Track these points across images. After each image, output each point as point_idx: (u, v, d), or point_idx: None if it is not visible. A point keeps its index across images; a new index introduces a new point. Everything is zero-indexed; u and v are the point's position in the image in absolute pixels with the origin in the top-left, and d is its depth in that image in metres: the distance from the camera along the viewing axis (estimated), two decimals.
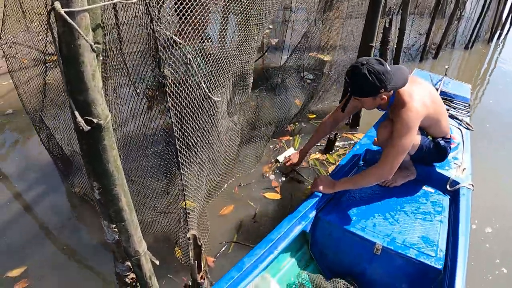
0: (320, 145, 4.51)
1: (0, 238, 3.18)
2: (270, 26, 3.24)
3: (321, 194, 2.86)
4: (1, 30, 3.23)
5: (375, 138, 3.47)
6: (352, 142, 4.70)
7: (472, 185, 3.06)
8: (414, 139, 2.70)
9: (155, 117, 2.01)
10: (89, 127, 1.15)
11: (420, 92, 2.70)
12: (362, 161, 3.43)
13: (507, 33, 11.71)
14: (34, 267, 2.96)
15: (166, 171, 2.45)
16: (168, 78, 1.65)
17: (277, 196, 3.69)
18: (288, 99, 4.99)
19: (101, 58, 1.20)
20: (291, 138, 4.65)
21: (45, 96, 3.36)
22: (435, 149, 3.01)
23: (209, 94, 1.89)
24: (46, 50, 3.11)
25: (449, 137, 3.07)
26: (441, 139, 3.02)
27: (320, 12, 5.02)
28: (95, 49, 1.03)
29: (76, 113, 1.12)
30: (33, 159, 4.14)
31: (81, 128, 1.13)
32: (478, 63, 8.59)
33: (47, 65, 3.15)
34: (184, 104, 1.95)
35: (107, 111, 1.20)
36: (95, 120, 1.16)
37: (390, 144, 2.64)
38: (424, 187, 3.13)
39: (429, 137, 3.01)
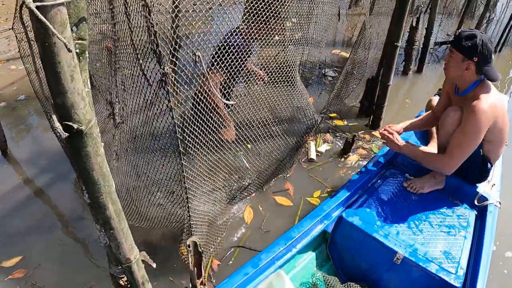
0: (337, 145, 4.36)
1: None
2: (293, 20, 3.12)
3: (346, 194, 2.87)
4: (14, 16, 3.15)
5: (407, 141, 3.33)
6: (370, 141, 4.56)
7: (500, 203, 2.94)
8: (478, 142, 2.66)
9: (159, 115, 1.90)
10: (67, 134, 1.03)
11: (496, 98, 2.66)
12: (390, 165, 3.34)
13: None
14: (33, 255, 2.92)
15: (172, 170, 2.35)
16: (168, 76, 1.53)
17: (288, 203, 3.55)
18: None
19: (86, 55, 1.08)
20: (312, 138, 4.49)
21: None
22: (480, 167, 2.89)
23: (222, 99, 1.76)
24: None
25: (494, 163, 2.98)
26: (489, 161, 2.90)
27: (345, 7, 4.85)
28: (71, 48, 0.90)
29: (54, 117, 1.01)
30: (43, 146, 4.09)
31: (59, 134, 1.01)
32: (505, 68, 8.33)
33: None
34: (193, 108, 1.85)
35: (90, 115, 1.09)
36: (75, 126, 1.05)
37: (456, 142, 2.66)
38: (451, 199, 2.99)
39: (481, 151, 2.88)
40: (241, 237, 3.15)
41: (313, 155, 4.12)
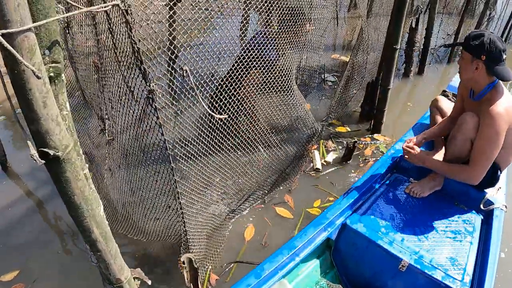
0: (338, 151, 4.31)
1: None
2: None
3: (350, 201, 2.83)
4: None
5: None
6: (371, 143, 4.52)
7: (506, 207, 2.88)
8: (500, 147, 2.61)
9: (148, 132, 1.86)
10: (43, 161, 1.00)
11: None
12: (394, 170, 3.29)
13: None
14: (31, 269, 2.89)
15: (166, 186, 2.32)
16: (155, 93, 1.49)
17: (289, 215, 3.48)
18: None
19: (63, 78, 1.05)
20: (315, 146, 4.43)
21: None
22: (490, 174, 2.81)
23: (210, 112, 1.72)
24: None
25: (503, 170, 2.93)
26: (499, 168, 2.85)
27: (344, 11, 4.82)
28: (39, 75, 0.87)
29: (29, 143, 0.97)
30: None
31: (35, 161, 0.98)
32: (509, 67, 8.26)
33: None
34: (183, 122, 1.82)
35: (67, 140, 1.05)
36: (51, 152, 1.01)
37: (480, 150, 2.63)
38: (457, 204, 2.95)
39: None
40: (240, 251, 3.09)
41: (318, 164, 4.05)
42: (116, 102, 1.95)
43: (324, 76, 5.92)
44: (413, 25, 6.12)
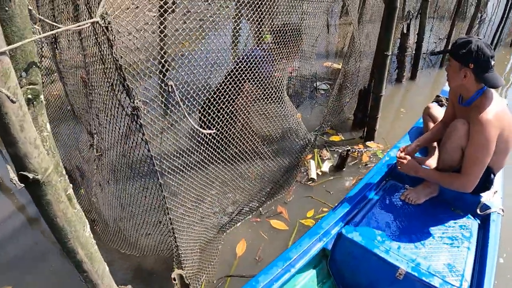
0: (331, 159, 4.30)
1: None
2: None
3: (346, 210, 2.80)
4: None
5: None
6: (363, 150, 4.50)
7: (503, 210, 2.87)
8: (492, 154, 2.59)
9: (135, 148, 1.84)
10: (22, 185, 0.98)
11: (503, 108, 2.62)
12: (389, 177, 3.27)
13: None
14: (24, 284, 2.86)
15: (155, 201, 2.29)
16: (140, 109, 1.47)
17: (284, 227, 3.44)
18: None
19: (41, 99, 1.03)
20: (310, 155, 4.39)
21: None
22: (483, 179, 2.79)
23: (197, 127, 1.70)
24: (41, 65, 2.99)
25: (497, 173, 2.91)
26: (492, 171, 2.83)
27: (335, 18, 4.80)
28: (14, 99, 0.84)
29: (9, 167, 0.95)
30: None
31: (15, 185, 0.95)
32: (500, 68, 8.28)
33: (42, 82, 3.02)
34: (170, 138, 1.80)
35: (46, 163, 1.03)
36: (30, 176, 0.99)
37: (472, 158, 2.61)
38: (453, 209, 2.93)
39: None
40: (232, 267, 3.05)
41: (313, 174, 4.02)
42: (103, 118, 1.93)
43: (316, 84, 5.90)
44: (405, 30, 6.13)
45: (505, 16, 9.14)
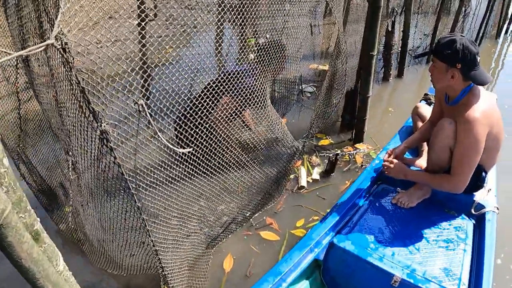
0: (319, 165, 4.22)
1: None
2: (267, 36, 3.04)
3: (336, 218, 2.74)
4: None
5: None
6: (354, 153, 4.42)
7: (498, 208, 2.82)
8: (481, 153, 2.54)
9: (108, 171, 1.74)
10: None
11: (490, 105, 2.57)
12: (380, 180, 3.22)
13: None
14: None
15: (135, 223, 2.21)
16: (109, 133, 1.38)
17: (275, 237, 3.34)
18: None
19: None
20: (300, 162, 4.30)
21: (21, 130, 3.16)
22: (475, 177, 2.74)
23: (171, 146, 1.62)
24: (17, 82, 2.90)
25: (489, 171, 2.86)
26: (483, 169, 2.78)
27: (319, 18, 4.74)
28: None
29: None
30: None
31: None
32: (486, 61, 8.28)
33: (20, 98, 2.95)
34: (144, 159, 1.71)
35: (3, 204, 0.94)
36: None
37: (461, 158, 2.55)
38: (447, 210, 2.88)
39: None
40: (221, 284, 2.96)
41: (303, 182, 3.93)
42: (74, 139, 1.84)
43: (301, 87, 5.83)
44: (389, 28, 6.09)
45: (489, 9, 9.16)
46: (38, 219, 1.20)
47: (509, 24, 11.03)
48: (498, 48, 9.45)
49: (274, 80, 4.70)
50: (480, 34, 9.18)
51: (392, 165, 2.87)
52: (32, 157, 3.28)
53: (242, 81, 2.55)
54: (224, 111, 2.59)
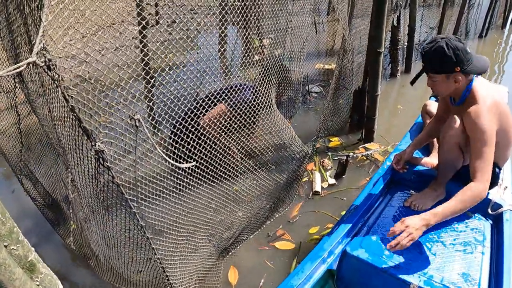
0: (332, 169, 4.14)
1: None
2: (271, 36, 2.98)
3: (348, 226, 2.64)
4: None
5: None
6: (366, 154, 4.32)
7: None
8: (494, 146, 2.43)
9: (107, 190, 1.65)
10: None
11: (495, 98, 2.50)
12: (392, 183, 3.12)
13: None
14: None
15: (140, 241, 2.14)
16: (104, 152, 1.29)
17: (290, 246, 3.23)
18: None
19: None
20: (312, 166, 4.21)
21: (23, 145, 3.11)
22: None
23: (172, 161, 1.53)
24: (16, 97, 2.84)
25: (502, 166, 2.78)
26: (497, 165, 2.70)
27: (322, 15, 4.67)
28: None
29: None
30: (25, 207, 3.82)
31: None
32: (492, 51, 8.17)
33: (19, 113, 2.90)
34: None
35: None
36: None
37: (475, 154, 2.43)
38: None
39: None
40: None
41: (317, 187, 3.81)
42: (70, 157, 1.75)
43: (308, 88, 5.74)
44: (395, 23, 6.01)
45: None
46: (33, 248, 1.12)
47: None
48: (504, 38, 9.35)
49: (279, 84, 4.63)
50: (486, 25, 9.08)
51: (410, 235, 2.32)
52: (36, 172, 3.23)
53: (246, 96, 2.50)
54: (228, 123, 2.53)
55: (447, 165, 2.70)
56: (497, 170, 2.71)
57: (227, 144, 2.58)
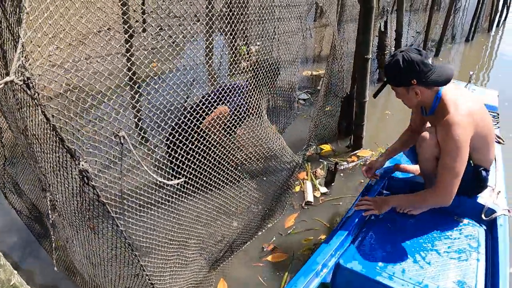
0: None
1: None
2: (258, 43, 2.96)
3: (341, 238, 2.59)
4: None
5: (396, 164, 3.26)
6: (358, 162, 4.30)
7: (509, 211, 2.73)
8: (466, 158, 2.44)
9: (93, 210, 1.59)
10: None
11: (468, 104, 2.50)
12: (386, 190, 3.15)
13: (504, 19, 11.42)
14: None
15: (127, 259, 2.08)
16: (88, 171, 1.23)
17: (283, 257, 3.16)
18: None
19: None
20: (304, 175, 4.15)
21: (6, 158, 3.08)
22: (474, 179, 2.70)
23: (159, 178, 1.49)
24: None
25: (490, 168, 2.79)
26: (483, 168, 2.71)
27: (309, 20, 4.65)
28: None
29: None
30: (8, 221, 3.75)
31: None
32: (479, 55, 8.22)
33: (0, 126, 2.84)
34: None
35: None
36: None
37: (443, 167, 2.46)
38: (456, 218, 2.78)
39: (471, 162, 2.69)
40: None
41: (310, 197, 3.76)
42: (51, 177, 1.69)
43: (295, 95, 5.70)
44: (382, 29, 6.02)
45: (481, 2, 9.13)
46: (15, 271, 1.07)
47: (500, 16, 11.04)
48: (490, 41, 9.41)
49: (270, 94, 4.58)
50: (473, 29, 9.14)
51: (372, 206, 2.73)
52: (21, 184, 3.17)
53: (235, 98, 2.47)
54: (217, 129, 2.48)
55: (429, 175, 2.72)
56: (484, 173, 2.71)
57: (231, 144, 2.55)
